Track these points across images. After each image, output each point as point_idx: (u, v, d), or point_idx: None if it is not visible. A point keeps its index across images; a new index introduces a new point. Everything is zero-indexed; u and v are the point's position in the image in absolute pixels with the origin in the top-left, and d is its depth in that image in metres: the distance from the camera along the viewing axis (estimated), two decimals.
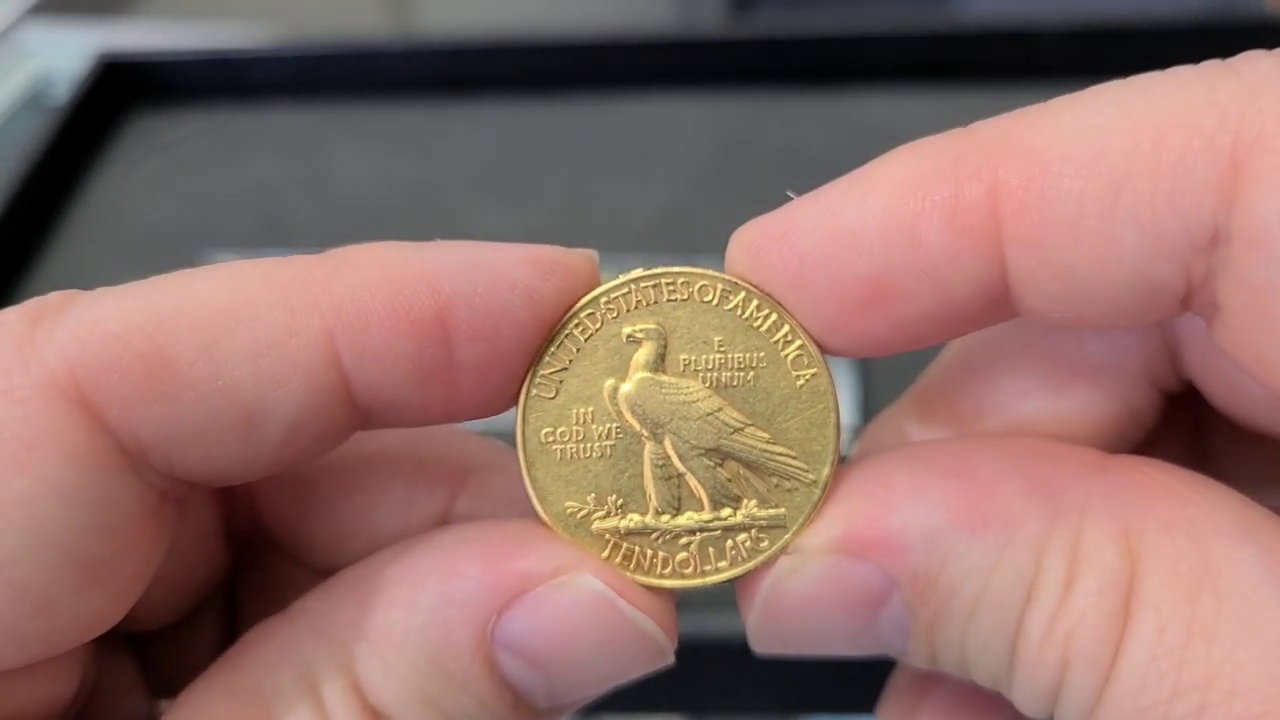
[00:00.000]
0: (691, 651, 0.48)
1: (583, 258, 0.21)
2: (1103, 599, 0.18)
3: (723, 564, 0.21)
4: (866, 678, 0.25)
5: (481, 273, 0.19)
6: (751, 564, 0.21)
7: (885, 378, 0.57)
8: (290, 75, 0.80)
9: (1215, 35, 0.75)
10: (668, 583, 0.21)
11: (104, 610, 0.19)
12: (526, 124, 0.78)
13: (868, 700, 0.26)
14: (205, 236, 0.68)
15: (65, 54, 0.83)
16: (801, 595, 0.20)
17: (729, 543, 0.21)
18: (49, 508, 0.17)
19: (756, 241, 0.20)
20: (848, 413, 0.55)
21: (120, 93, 0.79)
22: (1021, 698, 0.19)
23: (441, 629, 0.19)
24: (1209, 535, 0.18)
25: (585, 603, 0.20)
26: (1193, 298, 0.18)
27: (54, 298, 0.19)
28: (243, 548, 0.25)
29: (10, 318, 0.18)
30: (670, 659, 0.21)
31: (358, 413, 0.20)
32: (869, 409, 0.55)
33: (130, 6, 0.94)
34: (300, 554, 0.25)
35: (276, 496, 0.24)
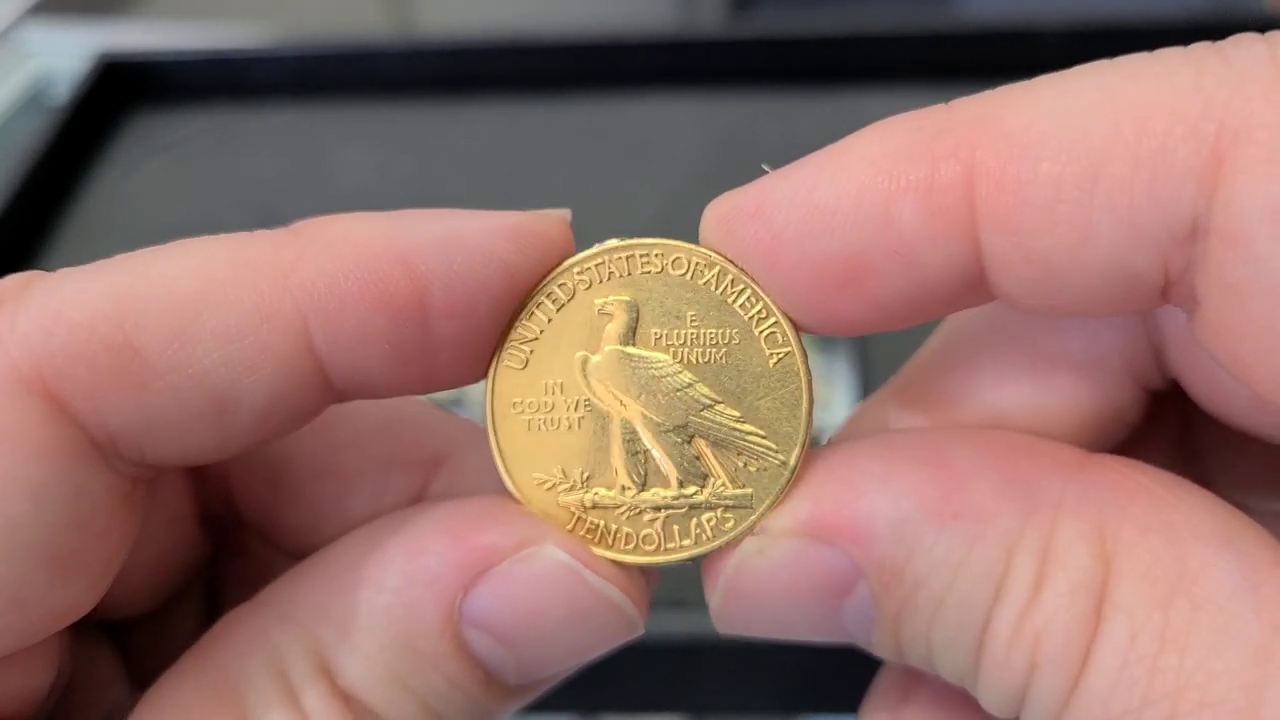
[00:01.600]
0: (691, 651, 0.48)
1: (556, 222, 0.20)
2: (1074, 601, 0.17)
3: (687, 542, 0.21)
4: (867, 678, 0.25)
5: (457, 249, 0.19)
6: (716, 543, 0.20)
7: (885, 369, 0.56)
8: (290, 75, 0.80)
9: (1215, 35, 0.75)
10: (630, 558, 0.20)
11: (77, 600, 0.19)
12: (526, 124, 0.78)
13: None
14: (205, 236, 0.68)
15: (65, 54, 0.83)
16: (765, 577, 0.20)
17: (694, 521, 0.20)
18: (17, 506, 0.17)
19: (730, 216, 0.20)
20: (847, 403, 0.55)
21: (120, 93, 0.79)
22: (987, 697, 0.19)
23: (408, 608, 0.19)
24: (1186, 540, 0.17)
25: (550, 575, 0.19)
26: (1171, 290, 0.17)
27: (13, 281, 0.18)
28: (221, 534, 0.25)
29: None
30: (640, 630, 0.21)
31: (331, 391, 0.19)
32: None
33: (130, 6, 0.94)
34: (276, 538, 0.24)
35: (249, 480, 0.24)
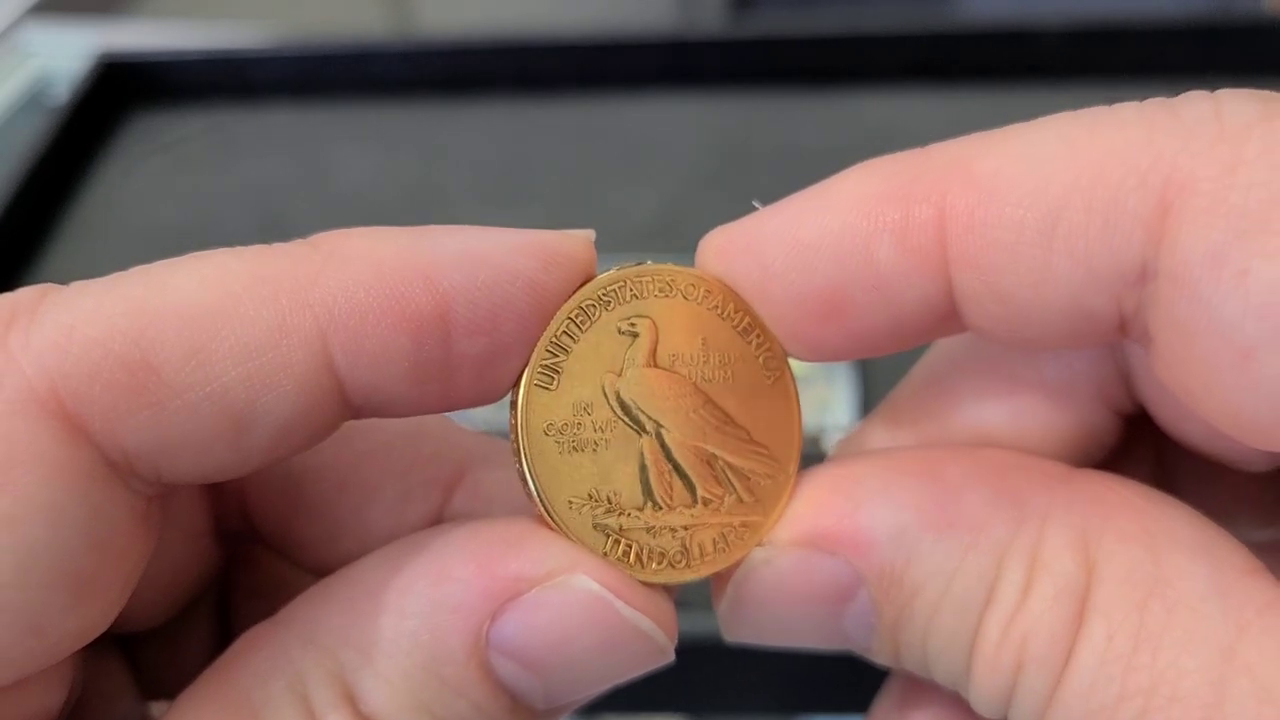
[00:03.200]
0: (691, 651, 0.48)
1: (582, 241, 0.20)
2: (1058, 604, 0.18)
3: (709, 556, 0.21)
4: (866, 678, 0.25)
5: (481, 266, 0.19)
6: (735, 557, 0.21)
7: (885, 381, 0.57)
8: (290, 75, 0.80)
9: (1214, 35, 0.75)
10: (660, 577, 0.21)
11: (94, 622, 0.18)
12: (526, 124, 0.78)
13: (868, 700, 0.26)
14: (205, 236, 0.68)
15: (65, 54, 0.83)
16: (771, 586, 0.20)
17: (715, 535, 0.21)
18: (35, 529, 0.16)
19: (724, 249, 0.21)
20: (846, 402, 0.55)
21: (120, 93, 0.79)
22: (978, 698, 0.20)
23: (434, 634, 0.19)
24: (1163, 548, 0.18)
25: (580, 604, 0.19)
26: (1128, 326, 0.19)
27: (26, 295, 0.18)
28: (233, 546, 0.25)
29: None
30: (670, 657, 0.21)
31: (349, 408, 0.19)
32: (868, 411, 0.55)
33: (130, 6, 0.94)
34: (292, 553, 0.24)
35: (266, 495, 0.24)
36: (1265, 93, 0.18)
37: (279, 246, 0.19)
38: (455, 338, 0.19)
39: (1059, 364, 0.22)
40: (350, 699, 0.19)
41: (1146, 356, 0.19)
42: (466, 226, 0.19)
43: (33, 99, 0.84)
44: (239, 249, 0.19)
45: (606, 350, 0.21)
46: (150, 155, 0.77)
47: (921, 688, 0.23)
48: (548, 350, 0.20)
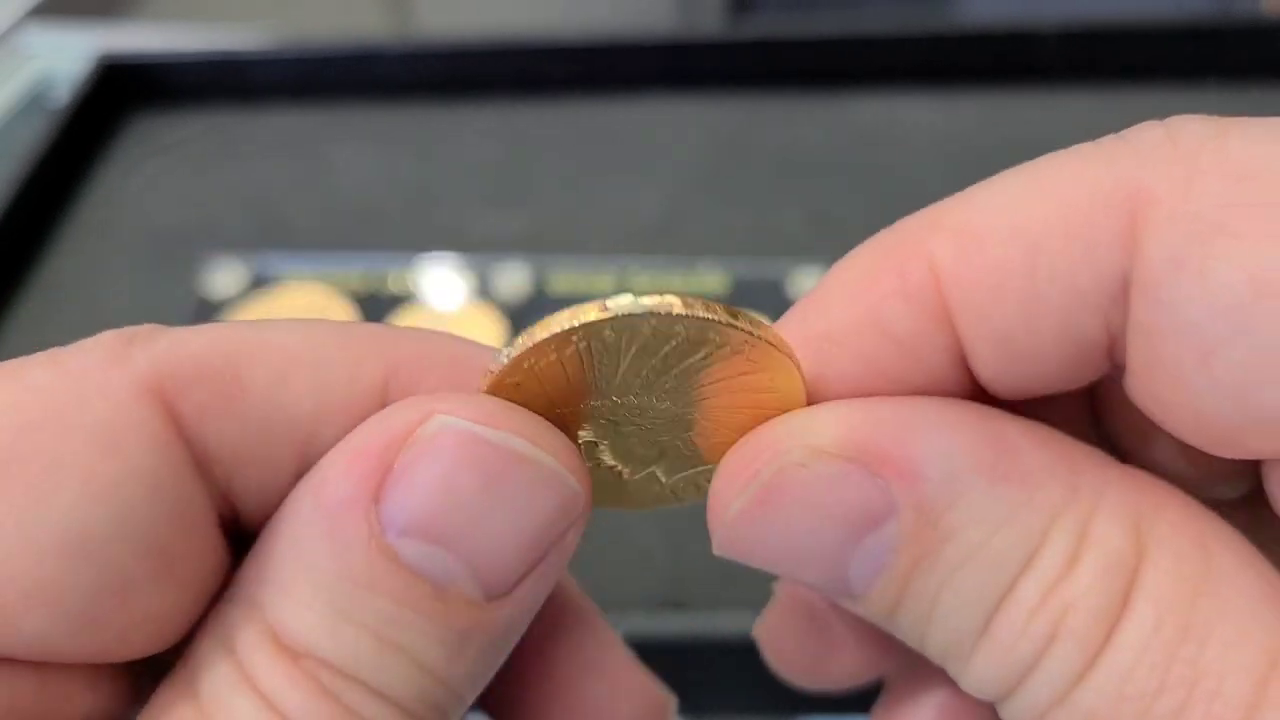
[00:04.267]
0: (692, 651, 0.48)
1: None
2: (1106, 580, 0.18)
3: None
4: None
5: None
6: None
7: None
8: (291, 77, 0.80)
9: (1213, 35, 0.75)
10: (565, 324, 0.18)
11: (167, 617, 0.19)
12: (526, 126, 0.78)
13: (867, 701, 0.26)
14: (206, 238, 0.68)
15: (65, 55, 0.83)
16: (800, 490, 0.19)
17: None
18: (137, 491, 0.18)
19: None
20: None
21: (120, 94, 0.79)
22: (980, 668, 0.19)
23: (327, 539, 0.18)
24: (1214, 548, 0.18)
25: (445, 447, 0.18)
26: (1115, 348, 0.19)
27: (144, 327, 0.20)
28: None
29: (106, 337, 0.20)
30: (579, 497, 0.20)
31: None
32: None
33: (130, 7, 0.95)
34: None
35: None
36: (1211, 117, 0.18)
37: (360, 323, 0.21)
38: None
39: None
40: (273, 635, 0.18)
41: (1121, 378, 0.19)
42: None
43: (33, 101, 0.84)
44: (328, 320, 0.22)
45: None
46: (151, 156, 0.77)
47: (914, 696, 0.23)
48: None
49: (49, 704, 0.19)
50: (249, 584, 0.19)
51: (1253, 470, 0.21)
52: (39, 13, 0.90)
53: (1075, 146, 0.19)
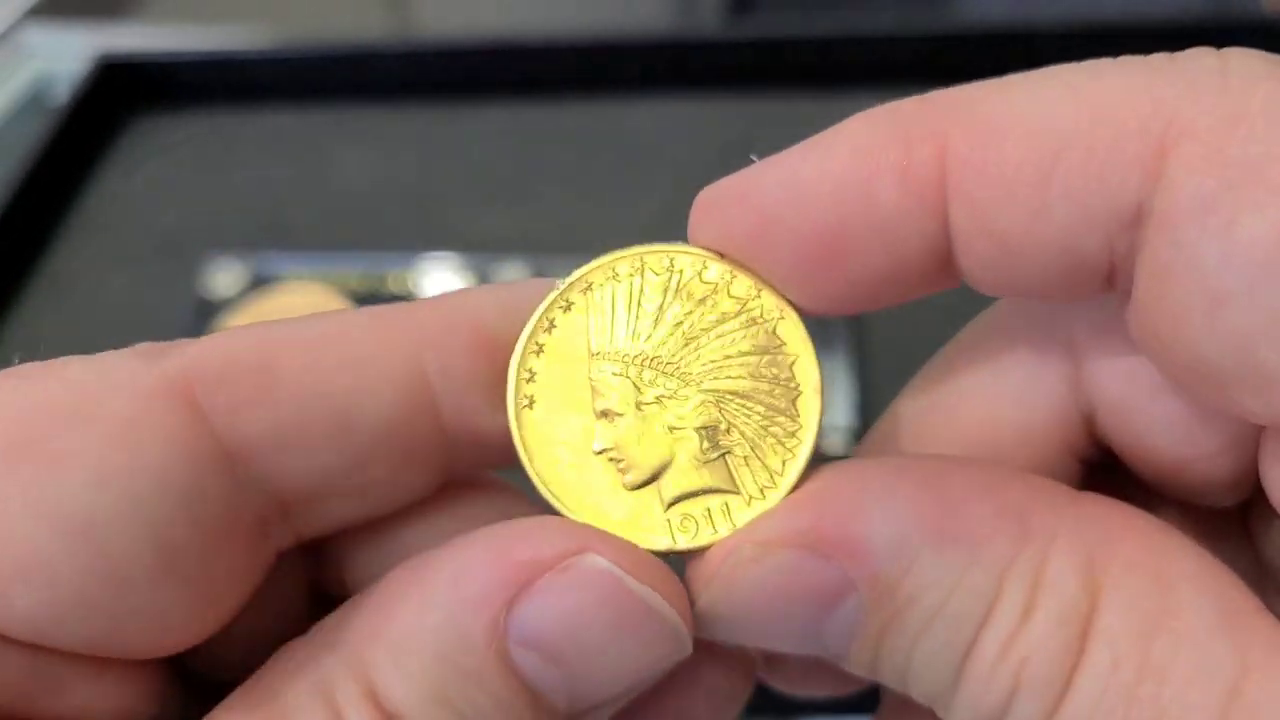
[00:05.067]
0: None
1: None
2: (1061, 627, 0.18)
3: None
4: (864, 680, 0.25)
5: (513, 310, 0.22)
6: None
7: (884, 384, 0.57)
8: (291, 77, 0.80)
9: (1214, 35, 0.75)
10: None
11: (172, 616, 0.19)
12: (526, 126, 0.78)
13: (867, 701, 0.26)
14: (206, 238, 0.68)
15: (65, 55, 0.83)
16: (757, 583, 0.20)
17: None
18: (146, 484, 0.19)
19: (720, 201, 0.22)
20: (845, 416, 0.55)
21: (120, 94, 0.79)
22: (960, 715, 0.19)
23: (453, 626, 0.19)
24: (1170, 579, 0.18)
25: (591, 583, 0.19)
26: (1116, 276, 0.19)
27: (178, 342, 0.21)
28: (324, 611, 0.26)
29: (143, 344, 0.21)
30: (688, 647, 0.20)
31: (445, 442, 0.21)
32: (866, 413, 0.56)
33: (130, 7, 0.94)
34: None
35: (368, 563, 0.24)
36: (1273, 55, 0.18)
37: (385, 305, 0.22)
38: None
39: (1018, 407, 0.22)
40: (373, 696, 0.19)
41: (1123, 311, 0.19)
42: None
43: (33, 100, 0.84)
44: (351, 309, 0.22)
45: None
46: (151, 156, 0.77)
47: (913, 701, 0.23)
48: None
49: (40, 685, 0.19)
50: (355, 637, 0.20)
51: (1251, 477, 0.21)
52: (39, 13, 0.90)
53: (1123, 57, 0.19)
